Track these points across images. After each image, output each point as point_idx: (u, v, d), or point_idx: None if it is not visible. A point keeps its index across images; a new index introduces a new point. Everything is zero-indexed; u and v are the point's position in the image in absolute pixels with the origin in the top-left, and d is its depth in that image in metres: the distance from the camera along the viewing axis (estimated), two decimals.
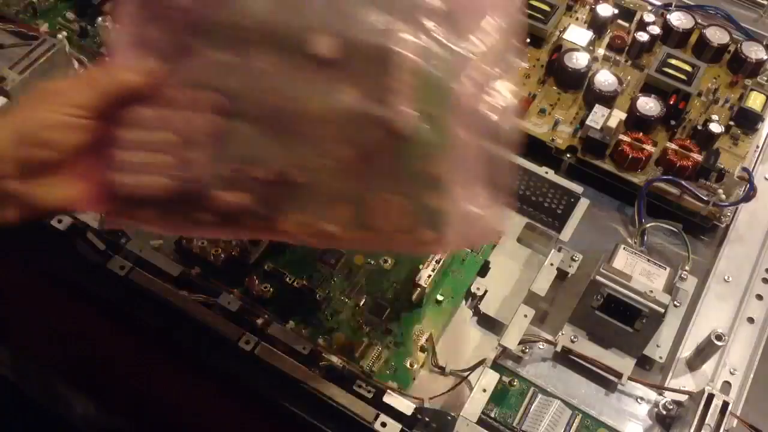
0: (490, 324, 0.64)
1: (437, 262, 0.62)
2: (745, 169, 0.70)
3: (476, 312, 0.65)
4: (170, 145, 0.47)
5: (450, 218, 0.48)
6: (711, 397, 0.56)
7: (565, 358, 0.62)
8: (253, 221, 0.48)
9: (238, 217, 0.48)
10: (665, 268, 0.63)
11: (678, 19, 0.81)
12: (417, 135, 0.46)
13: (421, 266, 0.61)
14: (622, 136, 0.72)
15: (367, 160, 0.47)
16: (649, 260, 0.63)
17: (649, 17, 0.81)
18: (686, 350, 0.64)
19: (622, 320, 0.60)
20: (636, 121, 0.73)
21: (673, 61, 0.77)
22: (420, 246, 0.50)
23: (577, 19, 0.84)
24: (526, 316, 0.59)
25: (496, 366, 0.60)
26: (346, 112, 0.47)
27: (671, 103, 0.75)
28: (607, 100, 0.75)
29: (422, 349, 0.62)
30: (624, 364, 0.61)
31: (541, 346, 0.63)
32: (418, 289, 0.61)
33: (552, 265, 0.62)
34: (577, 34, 0.80)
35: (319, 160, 0.47)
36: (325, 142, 0.47)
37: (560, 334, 0.62)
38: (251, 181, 0.47)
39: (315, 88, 0.47)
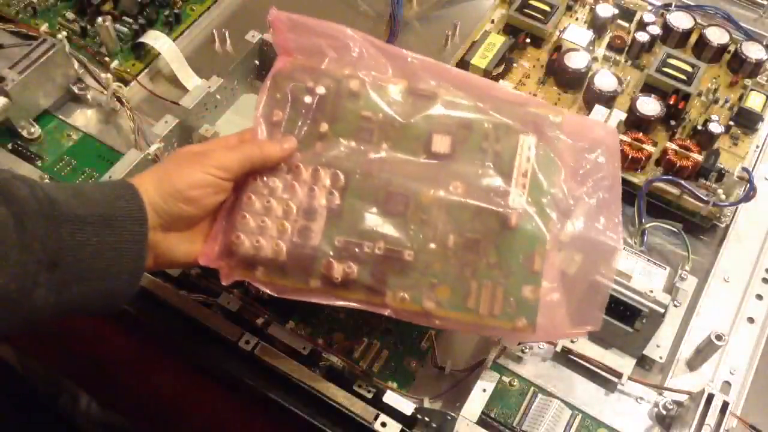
0: None
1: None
2: (745, 169, 0.70)
3: None
4: (290, 214, 0.53)
5: (542, 310, 0.52)
6: (711, 397, 0.56)
7: (565, 358, 0.62)
8: (358, 292, 0.52)
9: (347, 286, 0.52)
10: (665, 268, 0.63)
11: (678, 19, 0.81)
12: (523, 229, 0.52)
13: None
14: (622, 136, 0.72)
15: (472, 247, 0.52)
16: (649, 260, 0.63)
17: (649, 17, 0.81)
18: (686, 350, 0.64)
19: (622, 320, 0.60)
20: (636, 121, 0.73)
21: (673, 61, 0.77)
22: (511, 333, 0.52)
23: (577, 19, 0.84)
24: None
25: (496, 366, 0.60)
26: (458, 203, 0.53)
27: (671, 103, 0.75)
28: (607, 100, 0.75)
29: (422, 349, 0.62)
30: (624, 364, 0.61)
31: (541, 346, 0.63)
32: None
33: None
34: (577, 34, 0.80)
35: (427, 243, 0.53)
36: (435, 227, 0.53)
37: None
38: (361, 254, 0.52)
39: (430, 179, 0.54)
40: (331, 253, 0.52)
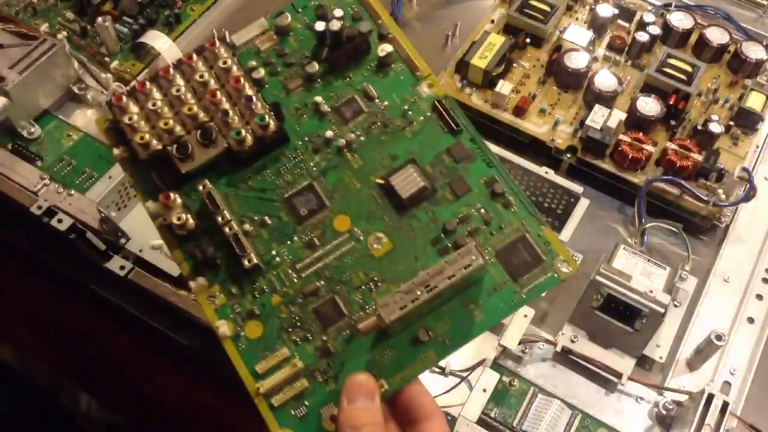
0: None
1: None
2: (745, 169, 0.70)
3: None
4: (189, 118, 0.43)
5: None
6: (711, 397, 0.56)
7: (565, 358, 0.62)
8: (181, 254, 0.42)
9: (174, 234, 0.42)
10: (665, 268, 0.63)
11: (678, 19, 0.81)
12: (391, 347, 0.41)
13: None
14: (622, 136, 0.72)
15: (330, 316, 0.41)
16: (649, 260, 0.63)
17: (649, 17, 0.81)
18: (686, 350, 0.64)
19: (622, 320, 0.60)
20: (636, 121, 0.73)
21: (673, 61, 0.77)
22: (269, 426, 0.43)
23: (577, 19, 0.84)
24: (526, 316, 0.59)
25: (496, 366, 0.60)
26: (364, 256, 0.42)
27: (671, 103, 0.75)
28: (607, 100, 0.75)
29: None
30: (624, 364, 0.61)
31: (541, 346, 0.63)
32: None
33: None
34: (577, 34, 0.80)
35: (291, 266, 0.42)
36: (314, 258, 0.42)
37: (560, 334, 0.62)
38: (221, 219, 0.42)
39: (363, 208, 0.43)
40: (185, 192, 0.42)
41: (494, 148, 0.69)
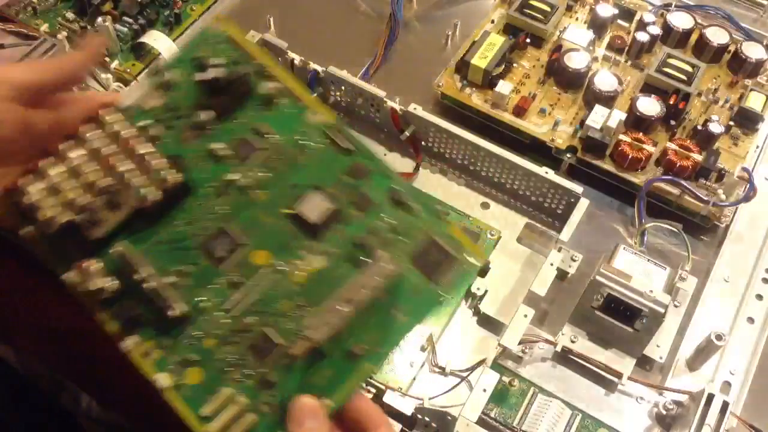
0: (490, 324, 0.64)
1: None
2: (745, 169, 0.70)
3: (476, 312, 0.65)
4: (101, 188, 0.44)
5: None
6: (711, 397, 0.56)
7: (565, 358, 0.62)
8: (107, 314, 0.45)
9: (97, 301, 0.45)
10: (665, 268, 0.63)
11: (678, 19, 0.81)
12: (329, 365, 0.41)
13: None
14: (622, 136, 0.72)
15: (262, 351, 0.41)
16: (649, 260, 0.63)
17: (649, 17, 0.81)
18: (686, 350, 0.64)
19: (622, 320, 0.60)
20: (636, 121, 0.73)
21: (673, 61, 0.77)
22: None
23: (577, 19, 0.84)
24: (526, 316, 0.59)
25: (496, 366, 0.60)
26: (292, 289, 0.43)
27: (671, 103, 0.75)
28: (607, 100, 0.75)
29: (422, 349, 0.62)
30: (624, 364, 0.61)
31: (541, 346, 0.63)
32: None
33: (552, 265, 0.62)
34: (577, 34, 0.80)
35: (221, 311, 0.42)
36: (242, 295, 0.43)
37: (560, 334, 0.62)
38: (132, 278, 0.43)
39: (278, 240, 0.43)
40: (102, 258, 0.43)
41: (494, 148, 0.69)
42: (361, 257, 0.42)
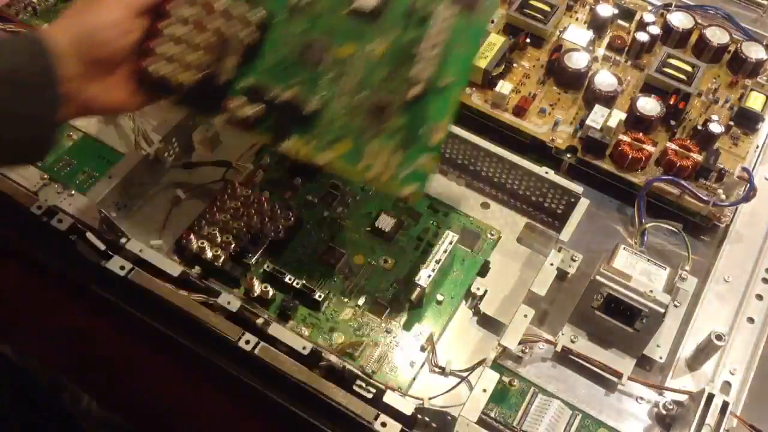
0: (490, 324, 0.64)
1: (437, 261, 0.62)
2: (745, 169, 0.70)
3: (476, 312, 0.65)
4: (207, 45, 0.55)
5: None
6: (711, 397, 0.56)
7: (565, 358, 0.62)
8: (263, 134, 0.56)
9: (250, 127, 0.56)
10: (665, 268, 0.63)
11: (678, 19, 0.81)
12: (429, 102, 0.55)
13: (421, 266, 0.61)
14: (622, 136, 0.72)
15: (380, 109, 0.55)
16: (649, 260, 0.63)
17: (649, 17, 0.81)
18: (686, 350, 0.64)
19: (622, 320, 0.60)
20: (636, 121, 0.73)
21: (673, 61, 0.77)
22: (398, 192, 0.55)
23: (577, 19, 0.84)
24: (526, 316, 0.59)
25: (496, 366, 0.60)
26: (375, 63, 0.56)
27: (671, 103, 0.75)
28: (607, 100, 0.75)
29: (422, 349, 0.62)
30: (624, 364, 0.61)
31: (541, 346, 0.63)
32: (418, 289, 0.61)
33: (552, 265, 0.62)
34: (577, 34, 0.80)
35: (336, 97, 0.56)
36: (348, 82, 0.56)
37: (560, 334, 0.62)
38: (268, 97, 0.55)
39: (351, 34, 0.56)
40: (239, 92, 0.55)
41: (494, 148, 0.69)
42: (419, 19, 0.55)
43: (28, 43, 0.49)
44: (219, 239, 0.64)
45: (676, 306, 0.65)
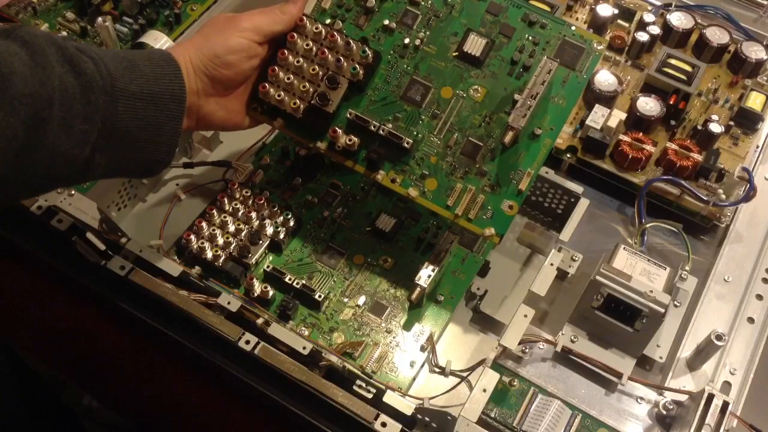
0: (490, 324, 0.64)
1: (437, 262, 0.62)
2: (745, 169, 0.70)
3: (476, 312, 0.65)
4: (316, 78, 0.60)
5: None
6: (711, 397, 0.56)
7: (565, 358, 0.62)
8: (357, 164, 0.61)
9: (347, 155, 0.61)
10: (665, 268, 0.63)
11: (678, 19, 0.81)
12: (522, 148, 0.59)
13: (421, 266, 0.61)
14: (622, 136, 0.72)
15: (471, 152, 0.60)
16: (649, 260, 0.63)
17: (649, 17, 0.81)
18: (686, 350, 0.64)
19: (622, 320, 0.60)
20: (636, 121, 0.73)
21: (673, 61, 0.77)
22: (478, 232, 0.59)
23: (577, 19, 0.84)
24: (526, 316, 0.59)
25: (496, 366, 0.60)
26: (473, 106, 0.61)
27: (671, 103, 0.75)
28: (607, 100, 0.75)
29: (422, 349, 0.62)
30: (624, 364, 0.61)
31: (541, 346, 0.63)
32: (418, 289, 0.61)
33: (552, 265, 0.62)
34: None
35: (431, 136, 0.61)
36: (444, 123, 0.60)
37: (560, 334, 0.62)
38: (367, 130, 0.60)
39: (454, 77, 0.61)
40: (341, 123, 0.61)
41: None
42: (519, 69, 0.61)
43: (165, 63, 0.54)
44: (219, 239, 0.64)
45: (676, 306, 0.64)
